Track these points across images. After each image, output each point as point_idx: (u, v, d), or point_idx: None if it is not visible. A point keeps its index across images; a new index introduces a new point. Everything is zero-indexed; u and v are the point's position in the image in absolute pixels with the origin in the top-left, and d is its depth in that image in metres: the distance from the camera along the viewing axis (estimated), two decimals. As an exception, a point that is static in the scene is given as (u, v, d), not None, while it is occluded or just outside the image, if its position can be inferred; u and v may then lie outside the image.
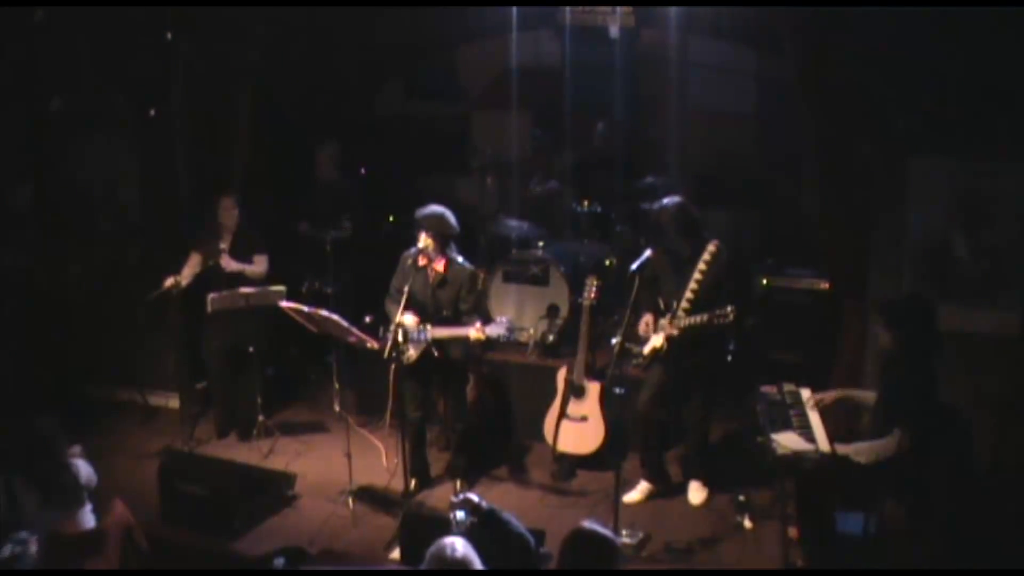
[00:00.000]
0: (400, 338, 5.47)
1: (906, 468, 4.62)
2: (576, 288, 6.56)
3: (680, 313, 5.44)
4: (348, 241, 7.29)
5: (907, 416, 4.63)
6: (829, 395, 5.21)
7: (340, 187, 7.39)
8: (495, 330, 5.44)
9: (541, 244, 7.19)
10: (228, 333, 6.50)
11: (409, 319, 5.54)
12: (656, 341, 5.53)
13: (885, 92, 5.54)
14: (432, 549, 3.50)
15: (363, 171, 7.68)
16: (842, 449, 4.72)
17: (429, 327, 5.59)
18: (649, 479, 5.83)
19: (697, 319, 5.35)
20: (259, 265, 6.57)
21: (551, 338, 6.82)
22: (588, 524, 3.58)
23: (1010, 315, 5.52)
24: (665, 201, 5.57)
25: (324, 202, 7.28)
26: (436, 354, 5.66)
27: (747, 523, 5.46)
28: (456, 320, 5.64)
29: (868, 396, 5.13)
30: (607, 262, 7.25)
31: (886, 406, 4.84)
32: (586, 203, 7.59)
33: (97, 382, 7.30)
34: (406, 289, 5.54)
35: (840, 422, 5.40)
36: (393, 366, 5.69)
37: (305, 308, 5.63)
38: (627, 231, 7.59)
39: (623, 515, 5.16)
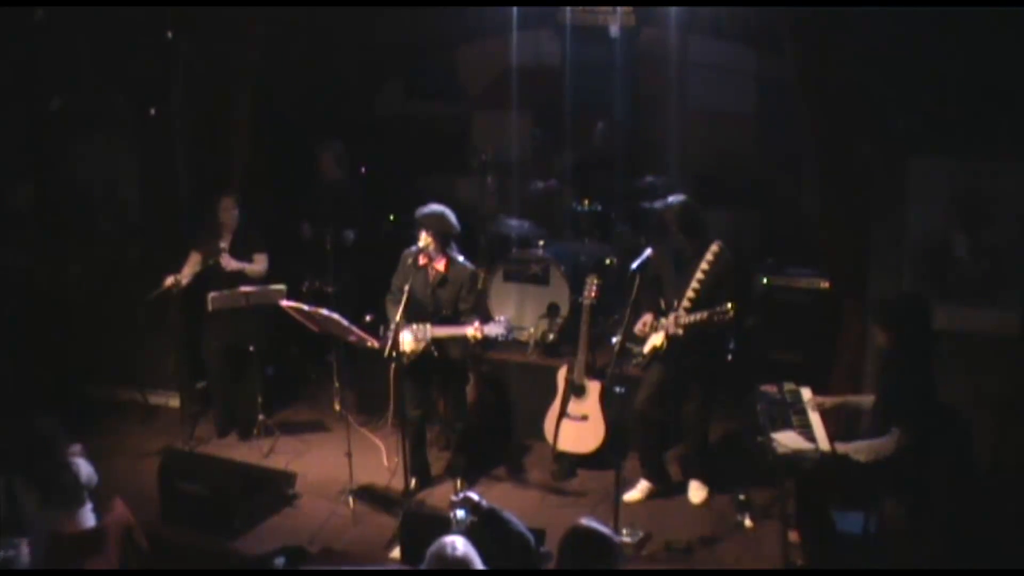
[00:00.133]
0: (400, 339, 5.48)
1: (906, 468, 4.62)
2: (576, 287, 6.56)
3: (681, 311, 5.45)
4: (348, 243, 7.29)
5: (906, 416, 4.63)
6: (829, 400, 5.22)
7: (343, 187, 7.38)
8: (494, 329, 5.45)
9: (541, 243, 7.20)
10: (228, 332, 6.50)
11: (408, 339, 5.54)
12: (656, 340, 5.54)
13: (885, 92, 5.54)
14: (432, 548, 3.50)
15: (363, 171, 7.67)
16: (841, 448, 4.72)
17: (429, 326, 5.59)
18: (649, 478, 5.83)
19: (697, 317, 5.35)
20: (259, 264, 6.57)
21: (551, 337, 6.82)
22: (586, 521, 3.57)
23: (1010, 315, 5.52)
24: (670, 199, 5.60)
25: (326, 202, 7.27)
26: (436, 354, 5.66)
27: (747, 522, 5.47)
28: (456, 320, 5.64)
29: (868, 400, 5.14)
30: (607, 261, 7.26)
31: (885, 406, 4.84)
32: (586, 203, 7.60)
33: (97, 382, 7.30)
34: (406, 288, 5.54)
35: (840, 423, 5.40)
36: (393, 366, 5.69)
37: (305, 307, 5.63)
38: (627, 231, 7.60)
39: (623, 514, 5.16)
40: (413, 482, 5.88)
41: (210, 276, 6.45)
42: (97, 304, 7.22)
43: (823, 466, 4.67)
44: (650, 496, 5.81)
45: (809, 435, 4.84)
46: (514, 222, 7.62)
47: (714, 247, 5.48)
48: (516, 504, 5.52)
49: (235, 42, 6.70)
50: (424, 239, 5.62)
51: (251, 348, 6.49)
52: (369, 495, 5.85)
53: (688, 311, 5.44)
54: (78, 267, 7.31)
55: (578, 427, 6.07)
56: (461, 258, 5.75)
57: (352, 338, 5.62)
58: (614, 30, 7.94)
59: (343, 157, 7.43)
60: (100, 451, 5.60)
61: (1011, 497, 5.20)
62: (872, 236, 5.86)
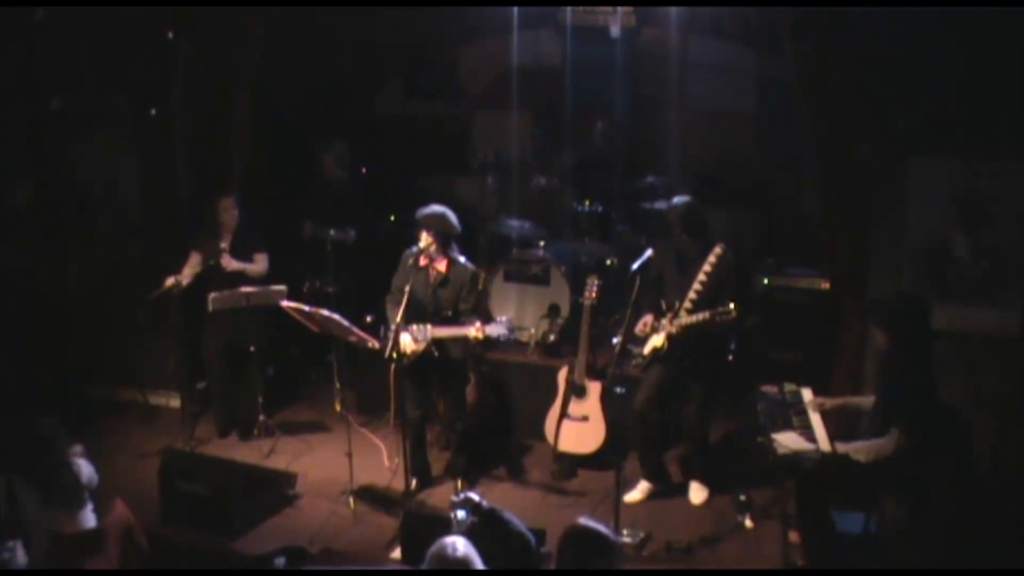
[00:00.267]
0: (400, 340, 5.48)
1: (906, 468, 4.62)
2: (577, 288, 6.57)
3: (682, 312, 5.45)
4: (350, 242, 7.29)
5: (906, 416, 4.64)
6: (830, 401, 5.22)
7: (343, 187, 7.38)
8: (495, 330, 5.45)
9: (542, 244, 7.20)
10: (229, 332, 6.50)
11: (408, 339, 5.54)
12: (657, 340, 5.54)
13: (885, 92, 5.54)
14: (433, 548, 3.50)
15: (364, 171, 7.67)
16: (841, 447, 4.73)
17: (429, 327, 5.59)
18: (649, 479, 5.83)
19: (699, 317, 5.35)
20: (260, 264, 6.57)
21: (552, 338, 6.82)
22: (583, 520, 3.58)
23: (1010, 315, 5.53)
24: (675, 200, 5.61)
25: (326, 202, 7.27)
26: (436, 354, 5.66)
27: (748, 523, 5.47)
28: (456, 320, 5.64)
29: (869, 401, 5.14)
30: (608, 262, 7.25)
31: (885, 406, 4.85)
32: (587, 203, 7.60)
33: (97, 382, 7.30)
34: (407, 289, 5.54)
35: (841, 423, 5.40)
36: (393, 366, 5.69)
37: (306, 307, 5.63)
38: (627, 231, 7.59)
39: (624, 515, 5.17)
40: (414, 482, 5.88)
41: (210, 276, 6.45)
42: (97, 304, 7.22)
43: (823, 466, 4.67)
44: (650, 496, 5.81)
45: (810, 436, 4.84)
46: (514, 222, 7.61)
47: (717, 249, 5.48)
48: (516, 504, 5.52)
49: (235, 42, 6.70)
50: (425, 240, 5.62)
51: (251, 348, 6.50)
52: (370, 495, 5.85)
53: (689, 312, 5.44)
54: (78, 267, 7.31)
55: (579, 427, 6.07)
56: (462, 259, 5.75)
57: (352, 338, 5.62)
58: (615, 30, 7.94)
59: (345, 158, 7.43)
60: (100, 451, 5.61)
61: (1011, 497, 5.20)
62: (872, 236, 5.86)
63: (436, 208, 5.67)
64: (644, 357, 5.64)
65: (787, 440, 4.78)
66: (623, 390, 5.28)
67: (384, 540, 5.35)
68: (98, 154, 7.12)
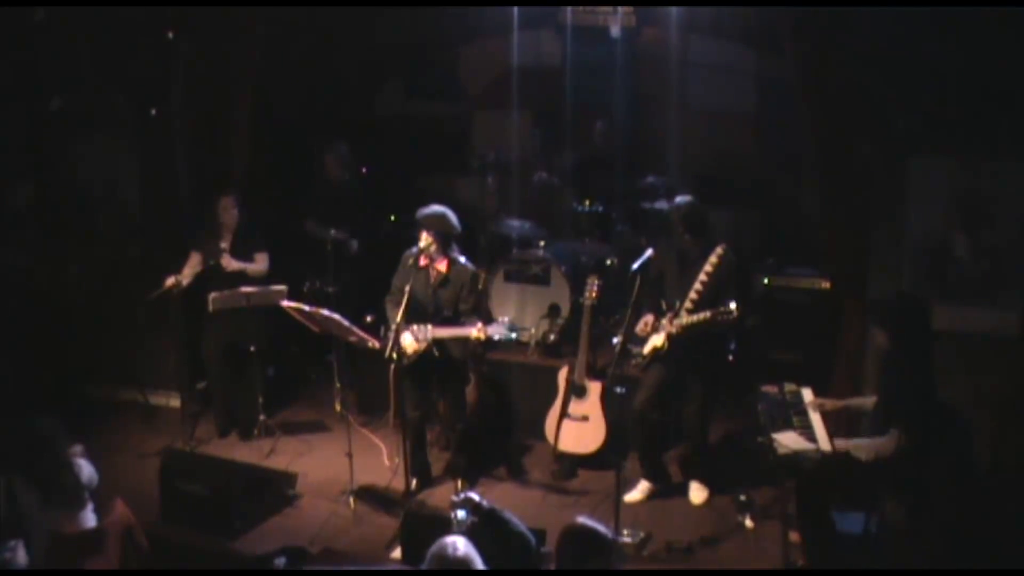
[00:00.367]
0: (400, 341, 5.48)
1: (906, 467, 4.62)
2: (577, 288, 6.57)
3: (683, 312, 5.45)
4: (352, 251, 7.30)
5: (906, 416, 4.63)
6: (831, 402, 5.21)
7: (345, 187, 7.38)
8: (496, 330, 5.45)
9: (542, 244, 7.20)
10: (229, 332, 6.50)
11: (408, 340, 5.54)
12: (657, 340, 5.54)
13: (885, 92, 5.55)
14: (433, 548, 3.50)
15: (364, 171, 7.67)
16: (841, 444, 4.73)
17: (430, 327, 5.59)
18: (649, 479, 5.83)
19: (700, 316, 5.35)
20: (260, 264, 6.57)
21: (552, 338, 6.83)
22: (582, 520, 3.58)
23: (1010, 315, 5.53)
24: (677, 200, 5.63)
25: (327, 202, 7.27)
26: (436, 354, 5.66)
27: (748, 523, 5.47)
28: (456, 320, 5.64)
29: (870, 402, 5.13)
30: (608, 262, 7.26)
31: (885, 406, 4.85)
32: (587, 203, 7.60)
33: (97, 382, 7.29)
34: (407, 289, 5.54)
35: (841, 423, 5.40)
36: (393, 366, 5.69)
37: (306, 307, 5.63)
38: (627, 231, 7.60)
39: (624, 515, 5.17)
40: (414, 482, 5.88)
41: (211, 276, 6.45)
42: (97, 304, 7.21)
43: (824, 466, 4.67)
44: (650, 496, 5.82)
45: (810, 435, 4.84)
46: (515, 222, 7.62)
47: (719, 249, 5.48)
48: (516, 504, 5.52)
49: (235, 42, 6.71)
50: (425, 240, 5.62)
51: (252, 348, 6.50)
52: (370, 495, 5.85)
53: (690, 312, 5.44)
54: (78, 267, 7.31)
55: (579, 427, 6.07)
56: (462, 259, 5.75)
57: (353, 338, 5.62)
58: (615, 30, 7.95)
59: (346, 158, 7.43)
60: (100, 451, 5.61)
61: (1011, 497, 5.20)
62: (872, 236, 5.87)
63: (436, 208, 5.67)
64: (644, 357, 5.64)
65: (787, 440, 4.78)
66: (623, 390, 5.28)
67: (384, 540, 5.35)
68: (98, 154, 7.11)
